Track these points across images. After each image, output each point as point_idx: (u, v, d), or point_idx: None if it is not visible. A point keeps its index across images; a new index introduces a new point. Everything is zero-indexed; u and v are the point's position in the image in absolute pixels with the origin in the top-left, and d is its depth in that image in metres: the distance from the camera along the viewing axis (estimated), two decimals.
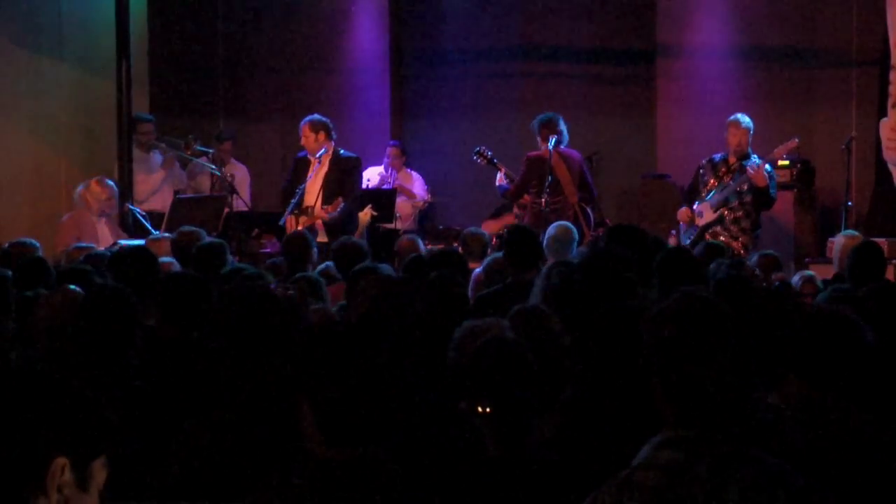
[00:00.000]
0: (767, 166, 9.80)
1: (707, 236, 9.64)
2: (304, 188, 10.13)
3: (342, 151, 10.15)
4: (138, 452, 3.50)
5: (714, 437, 2.45)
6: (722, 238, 9.61)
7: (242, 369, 3.63)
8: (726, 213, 9.90)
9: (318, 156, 10.19)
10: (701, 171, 10.15)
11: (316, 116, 10.24)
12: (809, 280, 7.46)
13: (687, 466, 2.42)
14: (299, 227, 9.71)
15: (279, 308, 3.80)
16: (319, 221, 9.94)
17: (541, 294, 5.21)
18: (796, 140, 9.98)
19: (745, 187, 9.82)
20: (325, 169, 10.09)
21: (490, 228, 11.34)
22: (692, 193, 10.23)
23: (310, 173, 10.14)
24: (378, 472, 2.64)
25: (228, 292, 3.98)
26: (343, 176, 10.01)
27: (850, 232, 8.87)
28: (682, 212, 10.14)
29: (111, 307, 4.51)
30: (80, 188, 10.03)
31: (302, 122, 10.26)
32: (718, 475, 2.41)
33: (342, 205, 9.89)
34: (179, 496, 3.34)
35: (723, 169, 10.03)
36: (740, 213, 9.90)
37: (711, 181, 10.03)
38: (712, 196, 9.94)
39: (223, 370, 3.69)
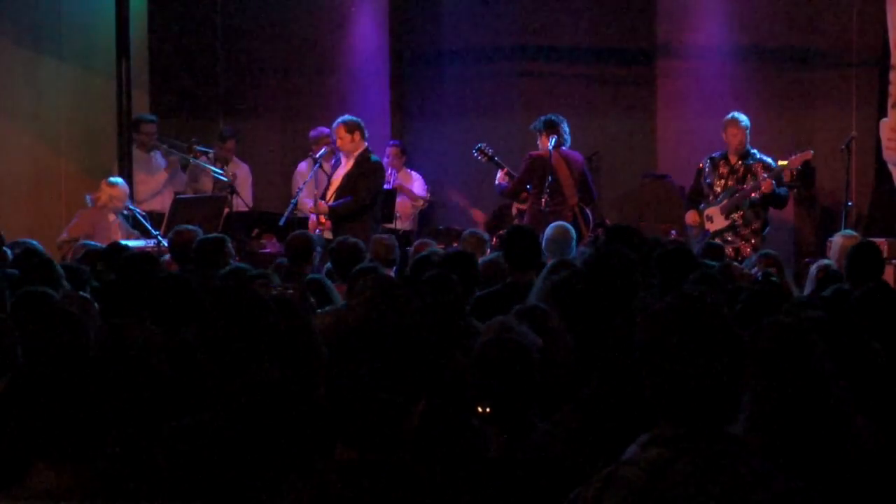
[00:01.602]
0: (773, 182, 9.78)
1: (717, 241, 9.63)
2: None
3: (371, 155, 10.09)
4: (128, 453, 3.49)
5: (701, 436, 2.45)
6: (738, 243, 9.66)
7: (232, 370, 3.63)
8: (736, 217, 9.90)
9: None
10: (704, 170, 10.14)
11: (349, 117, 10.12)
12: (823, 268, 7.49)
13: (669, 464, 2.43)
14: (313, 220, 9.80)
15: (268, 309, 3.78)
16: (324, 217, 9.94)
17: (542, 293, 5.21)
18: (811, 152, 10.02)
19: (756, 195, 9.81)
20: (348, 168, 10.05)
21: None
22: (695, 195, 10.22)
23: (339, 170, 10.15)
24: (394, 474, 2.65)
25: (216, 293, 3.97)
26: (359, 178, 9.93)
27: (848, 232, 8.87)
28: (690, 215, 10.11)
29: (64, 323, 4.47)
30: (89, 196, 10.07)
31: (336, 124, 10.12)
32: (700, 474, 2.41)
33: (336, 202, 9.87)
34: (172, 497, 3.33)
35: (724, 169, 10.02)
36: (751, 215, 9.90)
37: (716, 182, 10.02)
38: (721, 200, 9.92)
39: (212, 371, 3.68)
